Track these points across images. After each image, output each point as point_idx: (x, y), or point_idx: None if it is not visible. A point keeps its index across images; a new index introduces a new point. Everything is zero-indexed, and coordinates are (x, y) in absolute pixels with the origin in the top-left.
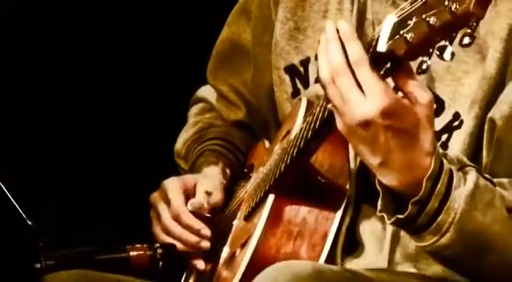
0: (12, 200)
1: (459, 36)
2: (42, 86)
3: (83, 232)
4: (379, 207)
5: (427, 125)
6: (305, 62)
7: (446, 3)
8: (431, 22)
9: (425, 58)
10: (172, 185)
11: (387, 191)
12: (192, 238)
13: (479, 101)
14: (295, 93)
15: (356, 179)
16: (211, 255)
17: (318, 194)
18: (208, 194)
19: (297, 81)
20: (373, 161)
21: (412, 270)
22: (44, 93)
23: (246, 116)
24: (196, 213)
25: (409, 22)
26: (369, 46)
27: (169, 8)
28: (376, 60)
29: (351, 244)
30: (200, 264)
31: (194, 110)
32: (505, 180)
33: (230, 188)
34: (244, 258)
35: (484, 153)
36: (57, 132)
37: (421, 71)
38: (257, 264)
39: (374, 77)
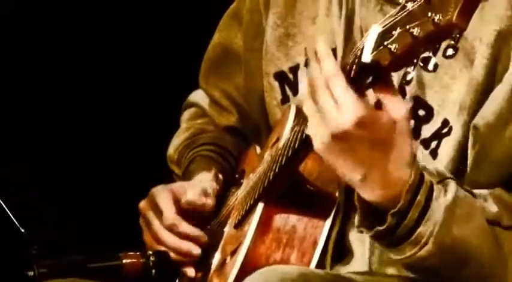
0: (5, 208)
1: (443, 47)
2: (42, 87)
3: (75, 240)
4: (356, 223)
5: (405, 136)
6: (294, 69)
7: (429, 14)
8: (415, 33)
9: (409, 69)
10: (162, 194)
11: (365, 206)
12: (185, 246)
13: (468, 107)
14: (285, 99)
15: (345, 186)
16: (203, 262)
17: (308, 202)
18: (204, 194)
19: (286, 87)
20: (354, 177)
21: (393, 271)
22: (43, 93)
23: (238, 121)
24: (189, 218)
25: (394, 33)
26: (355, 56)
27: (162, 13)
28: (361, 72)
29: (341, 252)
30: (191, 271)
31: (186, 115)
32: (485, 191)
33: (222, 194)
34: (235, 266)
35: (469, 161)
36: (51, 137)
37: (405, 82)
38: (247, 272)
39: (348, 90)
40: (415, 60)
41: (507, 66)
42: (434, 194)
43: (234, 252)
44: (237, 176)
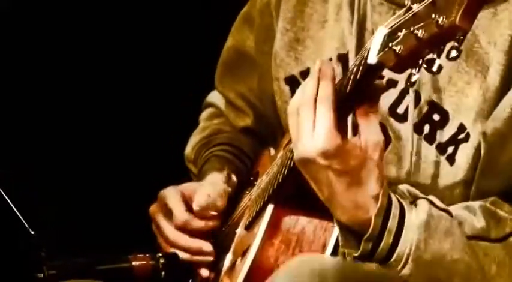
0: (15, 210)
1: (447, 49)
2: (42, 87)
3: (85, 241)
4: (340, 243)
5: (372, 167)
6: (305, 73)
7: (433, 15)
8: (419, 35)
9: (414, 70)
10: (171, 195)
11: (342, 226)
12: (196, 244)
13: (485, 115)
14: None
15: None
16: (216, 264)
17: (317, 204)
18: (210, 196)
19: None
20: (320, 195)
21: None
22: (44, 93)
23: (253, 123)
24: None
25: (399, 34)
26: (361, 58)
27: (183, 14)
28: (367, 73)
29: None
30: (204, 272)
31: (204, 114)
32: (476, 203)
33: (237, 195)
34: (244, 267)
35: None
36: (59, 136)
37: (410, 84)
38: (256, 273)
39: (328, 118)
40: (419, 62)
41: None
42: (406, 215)
43: (244, 254)
44: (251, 178)
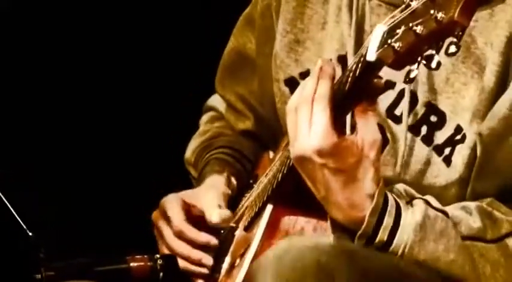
0: (13, 211)
1: (446, 45)
2: (42, 87)
3: (83, 242)
4: (333, 241)
5: (368, 166)
6: (305, 75)
7: (432, 11)
8: (418, 31)
9: (412, 67)
10: (171, 203)
11: (337, 225)
12: (196, 255)
13: (480, 116)
14: None
15: None
16: (215, 267)
17: (316, 204)
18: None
19: None
20: (316, 193)
21: None
22: (44, 93)
23: (254, 125)
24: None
25: (398, 31)
26: (360, 56)
27: (185, 17)
28: (366, 71)
29: None
30: (202, 277)
31: (204, 118)
32: (472, 204)
33: (236, 198)
34: (242, 268)
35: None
36: (59, 136)
37: (408, 80)
38: None
39: (325, 117)
40: (418, 58)
41: None
42: (402, 214)
43: (242, 255)
44: (251, 181)
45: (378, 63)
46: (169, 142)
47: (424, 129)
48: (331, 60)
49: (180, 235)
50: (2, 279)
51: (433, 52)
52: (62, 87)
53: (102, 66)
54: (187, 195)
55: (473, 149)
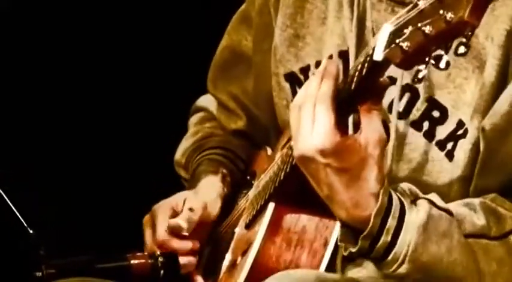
0: (13, 208)
1: (455, 45)
2: (42, 87)
3: (83, 240)
4: (339, 237)
5: (372, 165)
6: (305, 70)
7: (441, 12)
8: (426, 31)
9: (421, 67)
10: (160, 211)
11: (343, 223)
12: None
13: (482, 111)
14: None
15: None
16: (214, 265)
17: (318, 202)
18: (191, 210)
19: (297, 89)
20: (320, 192)
21: None
22: (44, 93)
23: (246, 125)
24: (181, 234)
25: (405, 31)
26: (366, 55)
27: (170, 16)
28: (372, 70)
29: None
30: (199, 279)
31: (194, 119)
32: (476, 200)
33: (232, 196)
34: (245, 266)
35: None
36: (59, 136)
37: (417, 80)
38: (257, 272)
39: (328, 116)
40: (426, 58)
41: None
42: (406, 214)
43: (244, 253)
44: (248, 177)
45: (385, 63)
46: (169, 141)
47: (426, 125)
48: (331, 56)
49: (161, 245)
50: (3, 277)
51: (442, 52)
52: (61, 87)
53: (98, 68)
54: (178, 199)
55: (475, 143)
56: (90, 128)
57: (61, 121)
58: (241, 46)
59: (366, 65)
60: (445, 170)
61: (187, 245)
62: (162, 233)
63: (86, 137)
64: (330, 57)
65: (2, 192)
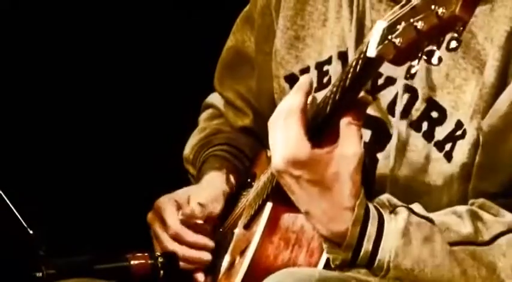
0: (13, 209)
1: (447, 40)
2: (42, 87)
3: (83, 240)
4: (325, 250)
5: (346, 179)
6: (305, 71)
7: (433, 7)
8: (418, 26)
9: (413, 63)
10: (166, 205)
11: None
12: (193, 254)
13: (481, 112)
14: None
15: None
16: (214, 265)
17: None
18: (202, 205)
19: None
20: (300, 208)
21: None
22: (44, 93)
23: (252, 122)
24: (193, 226)
25: (398, 27)
26: (360, 52)
27: (183, 15)
28: (366, 67)
29: None
30: (201, 276)
31: (203, 115)
32: (462, 208)
33: (235, 196)
34: (243, 266)
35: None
36: (59, 136)
37: (409, 76)
38: (255, 271)
39: (297, 129)
40: (419, 54)
41: None
42: (385, 222)
43: (242, 253)
44: (248, 179)
45: (379, 59)
46: (169, 140)
47: (425, 125)
48: (331, 57)
49: (176, 238)
50: (3, 277)
51: (434, 48)
52: (61, 87)
53: (101, 66)
54: (179, 196)
55: (474, 144)
56: (91, 127)
57: (61, 121)
58: (244, 47)
59: (359, 61)
60: (444, 170)
61: (203, 239)
62: (174, 224)
63: (86, 137)
64: (330, 58)
65: (1, 193)
